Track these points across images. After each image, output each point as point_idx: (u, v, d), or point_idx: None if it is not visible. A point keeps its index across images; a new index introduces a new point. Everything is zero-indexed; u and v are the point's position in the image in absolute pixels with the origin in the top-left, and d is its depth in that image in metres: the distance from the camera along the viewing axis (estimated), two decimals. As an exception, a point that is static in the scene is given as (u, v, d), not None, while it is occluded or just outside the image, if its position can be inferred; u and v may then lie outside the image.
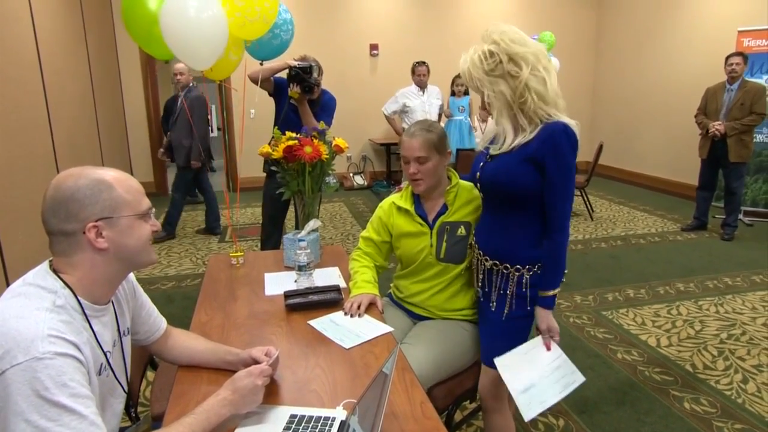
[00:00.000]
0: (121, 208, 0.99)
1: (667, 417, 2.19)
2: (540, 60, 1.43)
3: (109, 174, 1.01)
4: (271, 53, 2.92)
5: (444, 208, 1.77)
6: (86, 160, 4.93)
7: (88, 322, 0.98)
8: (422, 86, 5.61)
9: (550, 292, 1.50)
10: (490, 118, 1.62)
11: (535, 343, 1.53)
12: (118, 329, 1.12)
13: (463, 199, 1.77)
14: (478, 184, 1.62)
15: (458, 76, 5.82)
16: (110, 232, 0.99)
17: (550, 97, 1.44)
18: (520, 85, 1.42)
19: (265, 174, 3.26)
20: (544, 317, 1.51)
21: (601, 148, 5.51)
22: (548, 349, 1.51)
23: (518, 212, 1.52)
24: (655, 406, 2.27)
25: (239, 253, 2.12)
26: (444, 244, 1.75)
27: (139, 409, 2.12)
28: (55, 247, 0.98)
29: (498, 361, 1.49)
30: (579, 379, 1.48)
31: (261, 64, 2.86)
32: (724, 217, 4.81)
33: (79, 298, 0.98)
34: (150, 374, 2.10)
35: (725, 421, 2.16)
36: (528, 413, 1.42)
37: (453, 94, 5.95)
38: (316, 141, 2.07)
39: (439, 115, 5.80)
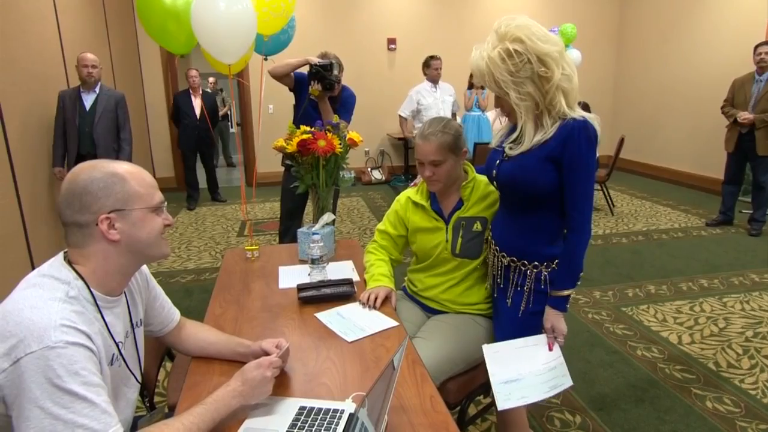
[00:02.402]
0: (133, 200, 1.01)
1: (688, 416, 2.14)
2: (563, 56, 1.37)
3: (123, 167, 1.03)
4: (278, 48, 2.93)
5: (460, 203, 1.75)
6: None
7: (100, 313, 1.00)
8: (436, 81, 5.49)
9: (564, 293, 1.45)
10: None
11: (536, 340, 1.49)
12: (131, 321, 1.14)
13: (479, 194, 1.74)
14: (495, 182, 1.58)
15: None
16: (122, 224, 1.00)
17: (574, 93, 1.39)
18: (551, 87, 1.35)
19: (283, 168, 3.28)
20: (552, 317, 1.47)
21: (622, 141, 5.40)
22: (550, 349, 1.47)
23: (537, 210, 1.49)
24: (675, 404, 2.22)
25: (254, 247, 2.13)
26: (459, 240, 1.73)
27: (158, 399, 2.17)
28: (70, 239, 1.01)
29: (486, 348, 1.44)
30: (568, 382, 1.44)
31: (265, 59, 2.87)
32: (751, 212, 4.67)
33: (92, 289, 1.00)
34: (169, 365, 2.14)
35: (749, 421, 2.10)
36: (504, 404, 1.38)
37: (471, 87, 5.86)
38: (330, 134, 2.07)
39: (454, 114, 5.68)
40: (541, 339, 1.49)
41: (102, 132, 3.96)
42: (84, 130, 3.87)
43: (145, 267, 1.25)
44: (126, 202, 1.00)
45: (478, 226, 1.72)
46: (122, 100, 4.10)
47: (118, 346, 1.05)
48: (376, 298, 1.65)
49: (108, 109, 3.96)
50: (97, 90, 3.93)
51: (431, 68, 5.44)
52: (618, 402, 2.24)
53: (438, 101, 5.45)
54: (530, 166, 1.43)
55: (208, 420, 1.00)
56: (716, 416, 2.13)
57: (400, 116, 5.70)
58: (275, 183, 3.98)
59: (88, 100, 3.91)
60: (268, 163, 6.52)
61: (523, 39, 1.32)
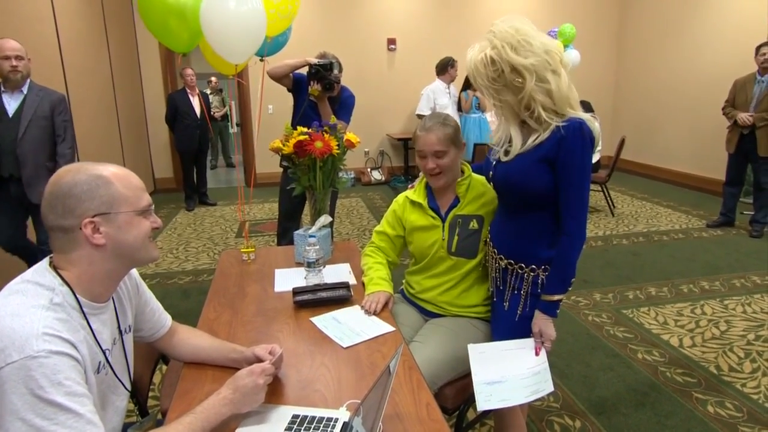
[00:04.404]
0: (119, 203, 0.98)
1: (690, 420, 2.11)
2: (549, 63, 1.34)
3: (109, 170, 1.00)
4: (275, 49, 2.93)
5: (456, 201, 1.74)
6: (107, 156, 5.01)
7: (86, 320, 0.97)
8: (450, 83, 5.54)
9: (554, 297, 1.44)
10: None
11: (522, 344, 1.47)
12: (119, 327, 1.11)
13: (475, 191, 1.73)
14: (491, 184, 1.58)
15: None
16: (108, 228, 0.98)
17: (560, 100, 1.37)
18: (525, 96, 1.35)
19: (281, 169, 3.26)
20: (541, 321, 1.45)
21: (623, 142, 5.37)
22: (537, 353, 1.45)
23: (533, 212, 1.48)
24: (676, 408, 2.19)
25: (250, 249, 2.11)
26: (456, 238, 1.72)
27: (153, 402, 2.14)
28: (55, 243, 0.98)
29: (472, 348, 1.43)
30: (549, 388, 1.42)
31: (261, 60, 2.85)
32: (752, 213, 4.64)
33: (78, 295, 0.97)
34: (165, 368, 2.12)
35: (752, 426, 2.07)
36: (484, 404, 1.37)
37: (467, 87, 5.84)
38: (326, 136, 2.04)
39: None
40: (528, 343, 1.47)
41: (30, 147, 2.91)
42: (5, 143, 2.86)
43: (135, 271, 1.22)
44: (111, 205, 0.97)
45: (474, 224, 1.71)
46: (61, 103, 3.08)
47: (104, 353, 1.02)
48: (377, 305, 1.63)
49: (40, 116, 2.94)
50: (25, 90, 2.93)
51: (454, 69, 5.47)
52: (618, 406, 2.21)
53: (451, 101, 5.49)
54: (526, 168, 1.42)
55: (198, 429, 0.97)
56: (718, 421, 2.11)
57: (419, 116, 5.68)
58: (274, 183, 3.96)
59: (12, 103, 2.89)
60: (267, 164, 6.49)
61: (498, 48, 1.34)
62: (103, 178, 0.97)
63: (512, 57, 1.33)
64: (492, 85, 1.38)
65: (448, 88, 5.53)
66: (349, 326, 1.52)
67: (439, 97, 5.46)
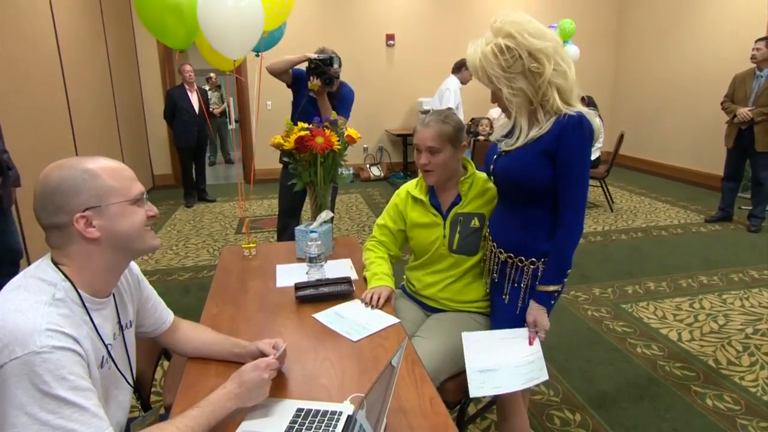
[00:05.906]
0: (108, 195, 0.97)
1: (689, 413, 2.13)
2: (558, 51, 1.37)
3: (96, 163, 0.98)
4: (270, 44, 2.93)
5: (458, 199, 1.74)
6: (106, 151, 4.99)
7: (89, 315, 0.98)
8: (465, 82, 5.50)
9: (549, 288, 1.45)
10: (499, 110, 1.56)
11: (516, 333, 1.49)
12: (119, 322, 1.11)
13: (478, 189, 1.73)
14: (492, 178, 1.58)
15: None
16: (101, 221, 0.97)
17: (570, 89, 1.39)
18: (543, 83, 1.35)
19: (281, 165, 3.26)
20: (535, 311, 1.47)
21: (621, 137, 5.38)
22: (530, 343, 1.47)
23: (533, 206, 1.48)
24: (675, 401, 2.21)
25: (252, 245, 2.11)
26: (457, 236, 1.72)
27: (156, 398, 2.15)
28: (51, 241, 0.98)
29: (466, 335, 1.45)
30: (544, 376, 1.43)
31: (256, 56, 2.84)
32: (750, 208, 4.66)
33: (79, 290, 0.97)
34: (167, 364, 2.12)
35: (750, 418, 2.09)
36: (477, 391, 1.38)
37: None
38: (327, 131, 2.04)
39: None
40: (522, 332, 1.49)
41: None
42: None
43: (136, 268, 1.22)
44: (101, 197, 0.96)
45: (475, 222, 1.71)
46: None
47: (107, 348, 1.02)
48: (379, 298, 1.63)
49: None
50: None
51: (468, 72, 5.38)
52: (618, 400, 2.23)
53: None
54: (526, 161, 1.43)
55: (204, 423, 0.98)
56: (716, 414, 2.12)
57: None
58: (273, 180, 3.96)
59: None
60: (267, 160, 6.48)
61: (514, 35, 1.34)
62: (90, 172, 0.96)
63: (531, 42, 1.33)
64: (504, 74, 1.36)
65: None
66: (354, 320, 1.52)
67: (459, 95, 5.42)
